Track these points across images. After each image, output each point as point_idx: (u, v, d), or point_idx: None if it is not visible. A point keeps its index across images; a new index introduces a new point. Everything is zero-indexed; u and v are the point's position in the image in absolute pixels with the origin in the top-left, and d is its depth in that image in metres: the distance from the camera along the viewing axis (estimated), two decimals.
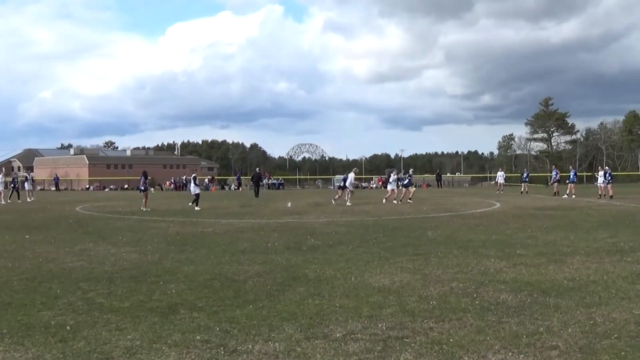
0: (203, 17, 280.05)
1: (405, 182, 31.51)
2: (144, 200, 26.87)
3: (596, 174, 35.83)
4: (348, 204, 28.58)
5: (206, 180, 60.94)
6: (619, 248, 12.12)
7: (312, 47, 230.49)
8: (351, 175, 30.59)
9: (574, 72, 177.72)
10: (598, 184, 34.08)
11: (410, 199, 30.61)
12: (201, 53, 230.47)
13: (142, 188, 27.62)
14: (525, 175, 45.25)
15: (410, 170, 34.16)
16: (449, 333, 6.08)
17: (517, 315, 6.76)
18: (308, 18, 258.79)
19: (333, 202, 29.72)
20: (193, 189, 28.31)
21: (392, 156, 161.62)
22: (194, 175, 30.83)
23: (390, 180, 31.89)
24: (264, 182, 64.38)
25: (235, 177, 66.11)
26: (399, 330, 6.20)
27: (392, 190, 31.06)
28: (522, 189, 43.31)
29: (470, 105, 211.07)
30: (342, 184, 31.48)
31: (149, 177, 28.86)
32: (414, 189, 32.09)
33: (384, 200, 30.20)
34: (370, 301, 7.58)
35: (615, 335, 5.86)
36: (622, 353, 5.32)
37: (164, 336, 6.07)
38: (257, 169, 49.60)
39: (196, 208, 26.51)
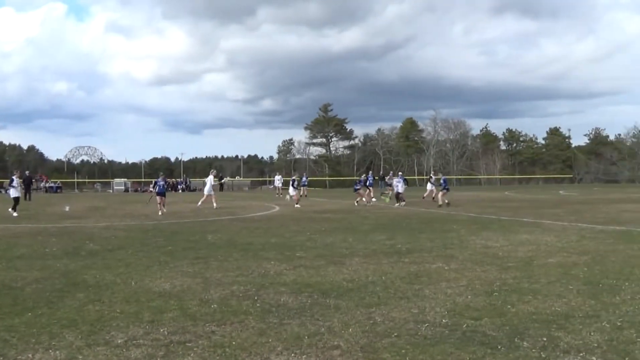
0: None
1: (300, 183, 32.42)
2: None
3: (430, 178, 38.12)
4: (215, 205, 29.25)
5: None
6: (396, 250, 12.89)
7: (93, 48, 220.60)
8: (210, 178, 31.37)
9: (354, 80, 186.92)
10: (428, 189, 36.26)
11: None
12: None
13: None
14: (304, 179, 46.98)
15: (304, 175, 34.61)
16: (231, 336, 6.14)
17: (298, 316, 6.92)
18: (89, 18, 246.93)
19: (356, 204, 31.02)
20: (13, 192, 26.34)
21: (172, 160, 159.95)
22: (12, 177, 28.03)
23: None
24: (41, 185, 64.17)
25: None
26: (181, 334, 6.22)
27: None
28: (301, 193, 44.82)
29: (251, 109, 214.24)
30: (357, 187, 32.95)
31: None
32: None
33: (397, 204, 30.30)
34: (151, 306, 7.56)
35: (395, 334, 6.17)
36: (402, 351, 5.60)
37: None
38: (27, 172, 47.53)
39: (13, 214, 24.73)
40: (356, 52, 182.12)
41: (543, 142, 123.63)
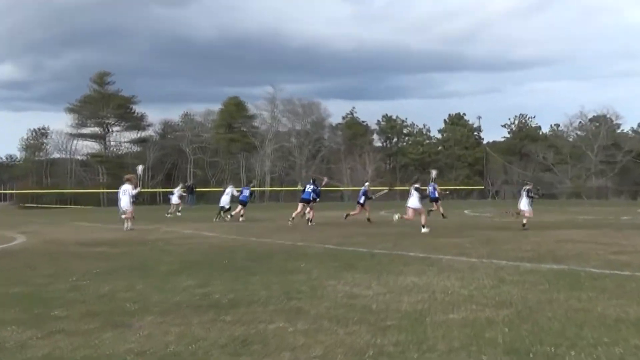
0: None
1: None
2: None
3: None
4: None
5: None
6: (212, 302, 12.89)
7: None
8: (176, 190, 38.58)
9: (147, 36, 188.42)
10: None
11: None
12: None
13: None
14: None
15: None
16: None
17: None
18: None
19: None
20: None
21: None
22: None
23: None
24: None
25: None
26: None
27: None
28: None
29: None
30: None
31: None
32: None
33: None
34: None
35: None
36: None
37: None
38: None
39: None
40: None
41: (440, 136, 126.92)
